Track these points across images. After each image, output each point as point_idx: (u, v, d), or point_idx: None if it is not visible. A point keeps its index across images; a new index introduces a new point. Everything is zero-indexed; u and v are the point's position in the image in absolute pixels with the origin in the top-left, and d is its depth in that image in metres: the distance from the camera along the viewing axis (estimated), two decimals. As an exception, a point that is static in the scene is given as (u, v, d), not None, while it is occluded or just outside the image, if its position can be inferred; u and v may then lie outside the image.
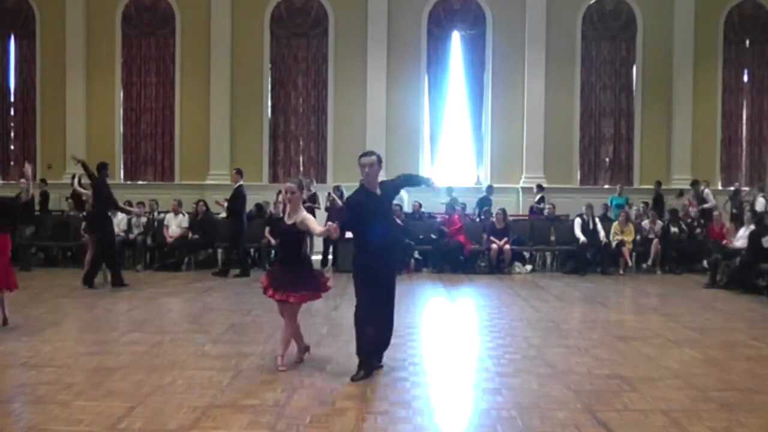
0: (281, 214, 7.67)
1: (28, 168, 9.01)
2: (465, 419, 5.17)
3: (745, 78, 18.95)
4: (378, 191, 6.24)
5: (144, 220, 14.55)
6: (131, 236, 14.20)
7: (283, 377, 6.09)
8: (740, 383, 6.11)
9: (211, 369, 6.32)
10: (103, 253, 11.51)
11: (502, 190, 17.41)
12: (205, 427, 4.86)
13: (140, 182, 18.70)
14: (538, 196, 16.83)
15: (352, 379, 5.98)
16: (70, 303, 10.11)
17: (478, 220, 15.66)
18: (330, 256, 14.57)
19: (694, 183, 16.85)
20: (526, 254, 14.92)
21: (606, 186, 18.51)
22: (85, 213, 13.95)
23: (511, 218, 15.02)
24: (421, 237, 14.55)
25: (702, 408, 5.35)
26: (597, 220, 14.64)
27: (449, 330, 8.60)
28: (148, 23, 18.70)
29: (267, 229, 13.94)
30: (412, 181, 6.80)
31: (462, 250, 14.08)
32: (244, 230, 13.46)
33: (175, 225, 14.37)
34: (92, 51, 18.66)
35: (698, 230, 14.94)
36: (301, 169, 18.54)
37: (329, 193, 15.31)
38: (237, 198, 13.37)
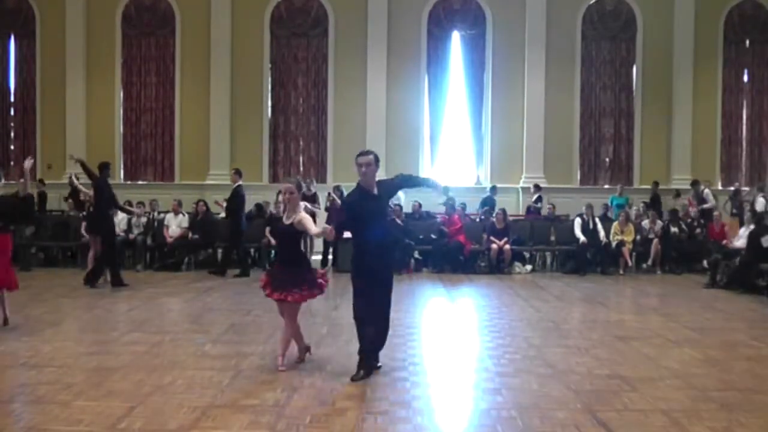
0: (281, 214, 7.68)
1: (28, 163, 9.01)
2: (465, 419, 5.17)
3: (745, 78, 18.95)
4: (375, 191, 6.22)
5: (144, 220, 14.56)
6: (131, 236, 14.21)
7: (283, 377, 6.09)
8: (740, 383, 6.11)
9: (211, 369, 6.32)
10: (103, 252, 11.52)
11: (502, 190, 17.40)
12: (205, 427, 4.85)
13: (140, 182, 18.70)
14: (535, 196, 16.85)
15: (352, 379, 5.98)
16: (70, 303, 10.11)
17: (478, 220, 15.65)
18: (330, 256, 14.57)
19: (694, 183, 16.85)
20: (526, 254, 14.92)
21: (606, 186, 18.52)
22: (85, 213, 13.97)
23: (511, 218, 15.03)
24: (421, 237, 14.55)
25: (702, 408, 5.35)
26: (597, 220, 14.64)
27: (449, 330, 8.60)
28: (148, 23, 18.70)
29: (267, 229, 13.95)
30: (411, 182, 6.76)
31: (462, 250, 14.08)
32: (243, 230, 13.46)
33: (175, 225, 14.37)
34: (92, 51, 18.66)
35: (698, 230, 14.94)
36: (301, 169, 18.54)
37: (329, 193, 15.32)
38: (235, 198, 13.38)
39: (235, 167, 14.97)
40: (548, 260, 15.39)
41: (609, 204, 16.58)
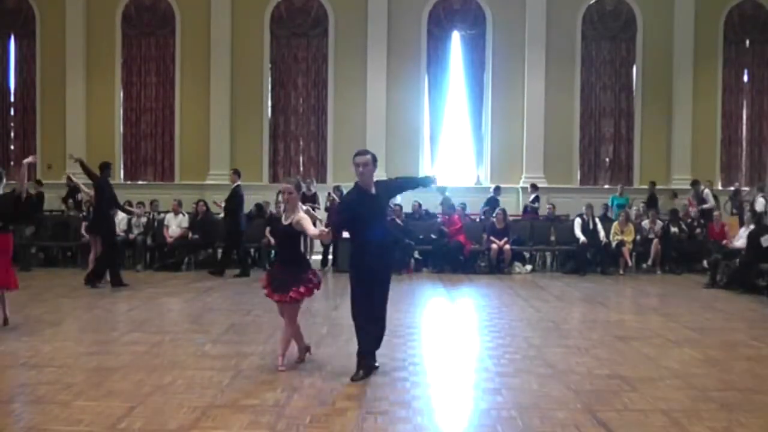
0: (281, 215, 7.69)
1: (29, 159, 8.99)
2: (465, 419, 5.17)
3: (745, 78, 18.96)
4: (373, 190, 6.22)
5: (144, 220, 14.56)
6: (131, 236, 14.21)
7: (283, 377, 6.09)
8: (740, 383, 6.11)
9: (211, 369, 6.32)
10: (103, 252, 11.52)
11: (503, 190, 17.39)
12: (205, 427, 4.85)
13: (140, 182, 18.70)
14: (532, 196, 16.86)
15: (352, 379, 5.98)
16: (70, 303, 10.11)
17: (478, 220, 15.67)
18: (330, 256, 14.57)
19: (694, 183, 16.86)
20: (526, 254, 14.92)
21: (606, 186, 18.52)
22: (85, 213, 13.99)
23: (511, 218, 15.03)
24: (421, 237, 14.54)
25: (702, 408, 5.35)
26: (597, 220, 14.64)
27: (449, 330, 8.60)
28: (148, 23, 18.70)
29: (267, 229, 13.95)
30: (411, 184, 6.72)
31: (462, 250, 14.08)
32: (242, 230, 13.46)
33: (175, 225, 14.38)
34: (92, 51, 18.67)
35: (698, 230, 14.95)
36: (301, 169, 18.54)
37: (329, 193, 15.32)
38: (234, 198, 13.38)
39: (234, 167, 14.98)
40: (548, 260, 15.39)
41: (609, 204, 16.60)
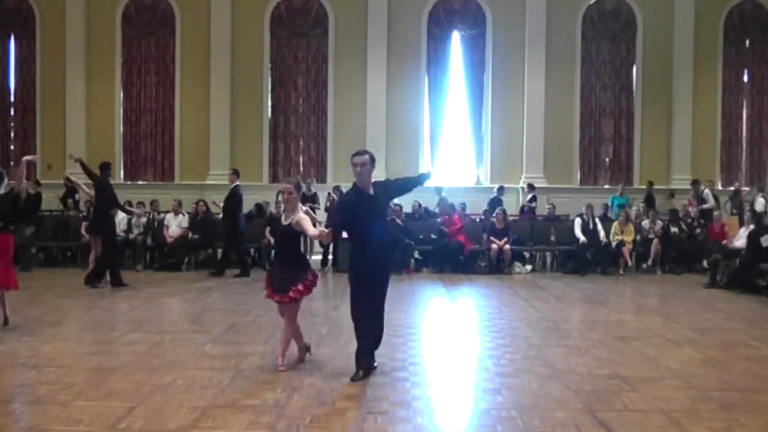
0: (281, 215, 7.70)
1: (29, 157, 8.99)
2: (465, 419, 5.17)
3: (745, 78, 18.95)
4: (371, 191, 6.21)
5: (144, 220, 14.57)
6: (131, 236, 14.22)
7: (283, 377, 6.09)
8: (740, 383, 6.11)
9: (211, 369, 6.32)
10: (103, 252, 11.52)
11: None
12: (205, 427, 4.85)
13: (140, 182, 18.69)
14: (529, 196, 16.86)
15: (352, 380, 5.98)
16: (70, 303, 10.11)
17: (478, 220, 15.68)
18: (330, 256, 14.57)
19: (695, 183, 16.85)
20: (526, 254, 14.92)
21: (606, 186, 18.52)
22: (85, 213, 13.98)
23: (511, 218, 15.03)
24: (421, 237, 14.54)
25: (702, 408, 5.35)
26: (597, 220, 14.65)
27: (449, 330, 8.60)
28: (148, 23, 18.69)
29: (267, 229, 13.95)
30: (409, 184, 6.61)
31: (462, 250, 14.08)
32: (241, 230, 13.46)
33: (175, 225, 14.38)
34: (92, 51, 18.66)
35: (698, 230, 14.95)
36: (301, 169, 18.54)
37: (329, 193, 15.33)
38: (233, 198, 13.38)
39: (233, 168, 14.97)
40: (548, 260, 15.40)
41: (609, 204, 16.60)
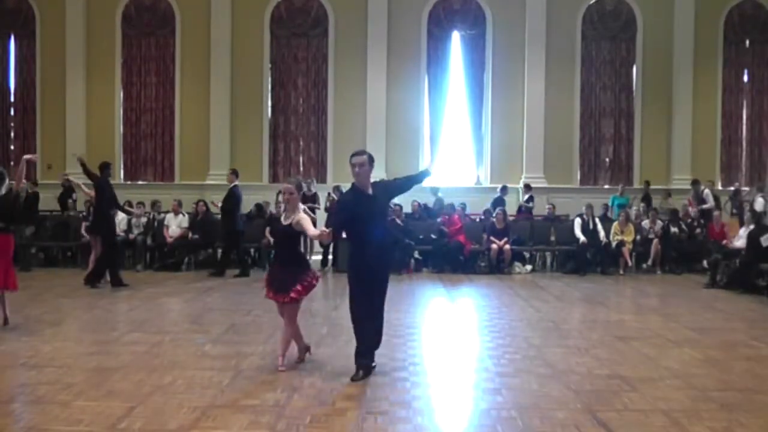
0: (281, 215, 7.70)
1: (29, 156, 8.98)
2: (465, 419, 5.17)
3: (745, 78, 18.95)
4: (370, 191, 6.21)
5: (144, 220, 14.57)
6: (131, 236, 14.21)
7: (283, 377, 6.09)
8: (740, 383, 6.11)
9: (211, 369, 6.33)
10: (103, 252, 11.52)
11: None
12: (205, 427, 4.85)
13: (140, 182, 18.69)
14: (526, 196, 16.84)
15: (352, 380, 5.98)
16: (70, 303, 10.11)
17: (478, 220, 15.67)
18: (330, 257, 14.56)
19: (695, 183, 16.85)
20: (526, 254, 14.92)
21: (606, 186, 18.52)
22: (85, 213, 13.97)
23: (510, 218, 15.03)
24: (421, 237, 14.54)
25: (702, 408, 5.35)
26: (597, 220, 14.65)
27: (449, 330, 8.60)
28: (148, 23, 18.69)
29: (267, 229, 13.95)
30: (409, 183, 6.58)
31: (462, 250, 14.08)
32: (239, 230, 13.45)
33: (175, 225, 14.38)
34: (92, 51, 18.66)
35: (698, 230, 14.95)
36: (301, 169, 18.54)
37: (329, 193, 15.32)
38: (231, 198, 13.38)
39: (231, 168, 14.96)
40: (548, 260, 15.40)
41: (610, 204, 16.59)
